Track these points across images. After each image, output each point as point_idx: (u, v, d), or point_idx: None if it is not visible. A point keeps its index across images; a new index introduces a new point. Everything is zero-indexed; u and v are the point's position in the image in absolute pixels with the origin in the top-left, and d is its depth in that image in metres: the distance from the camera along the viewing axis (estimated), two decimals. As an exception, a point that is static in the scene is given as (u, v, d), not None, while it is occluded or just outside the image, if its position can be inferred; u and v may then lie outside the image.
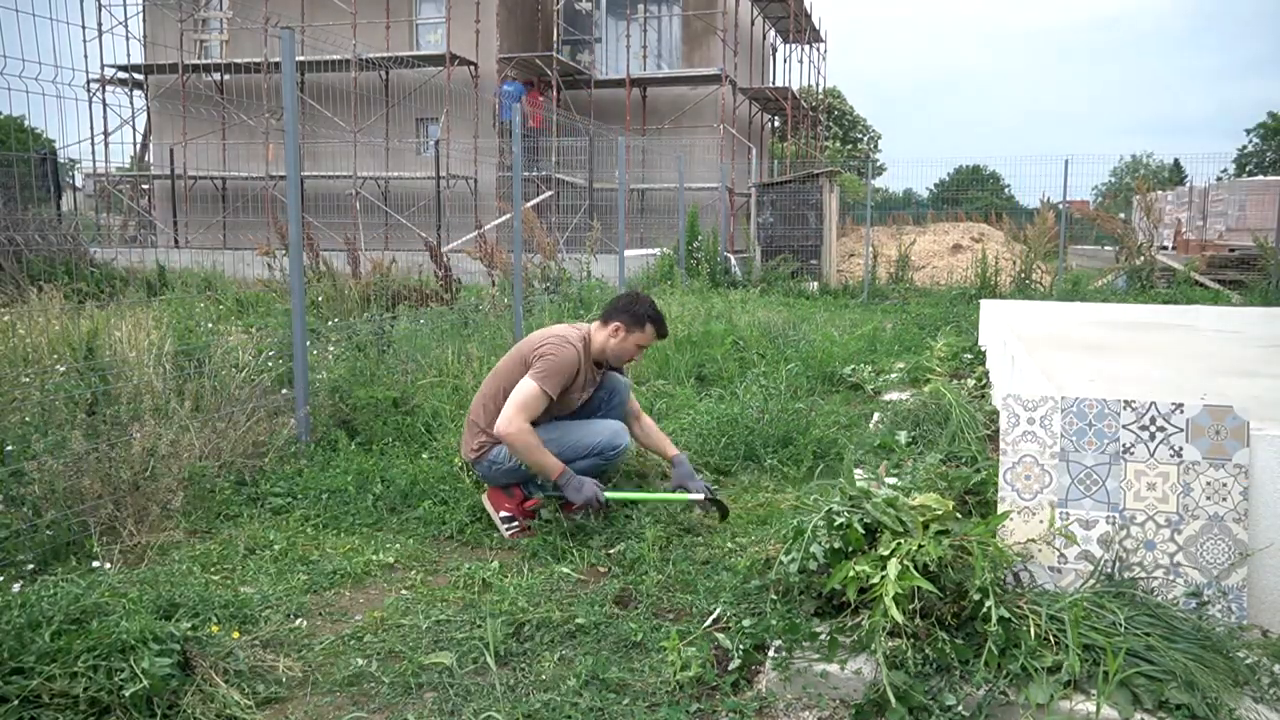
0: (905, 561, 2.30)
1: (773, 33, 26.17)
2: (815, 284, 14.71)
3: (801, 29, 24.46)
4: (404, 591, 3.02)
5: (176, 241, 19.03)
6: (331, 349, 5.28)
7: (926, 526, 2.45)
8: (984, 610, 2.21)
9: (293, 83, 4.30)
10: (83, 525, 3.21)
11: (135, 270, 9.90)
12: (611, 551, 3.30)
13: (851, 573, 2.35)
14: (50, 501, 3.18)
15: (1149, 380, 3.47)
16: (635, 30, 20.14)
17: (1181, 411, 2.54)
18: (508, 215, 10.72)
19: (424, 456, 4.18)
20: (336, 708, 2.31)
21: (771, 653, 2.40)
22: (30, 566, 2.91)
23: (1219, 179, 22.92)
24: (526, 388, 3.48)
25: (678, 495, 3.57)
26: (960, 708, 2.11)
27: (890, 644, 2.23)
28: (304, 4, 19.08)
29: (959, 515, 2.65)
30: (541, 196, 16.78)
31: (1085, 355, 4.16)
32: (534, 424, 3.46)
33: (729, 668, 2.43)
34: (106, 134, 19.54)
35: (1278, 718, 2.08)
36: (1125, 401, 2.59)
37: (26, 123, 17.36)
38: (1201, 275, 13.43)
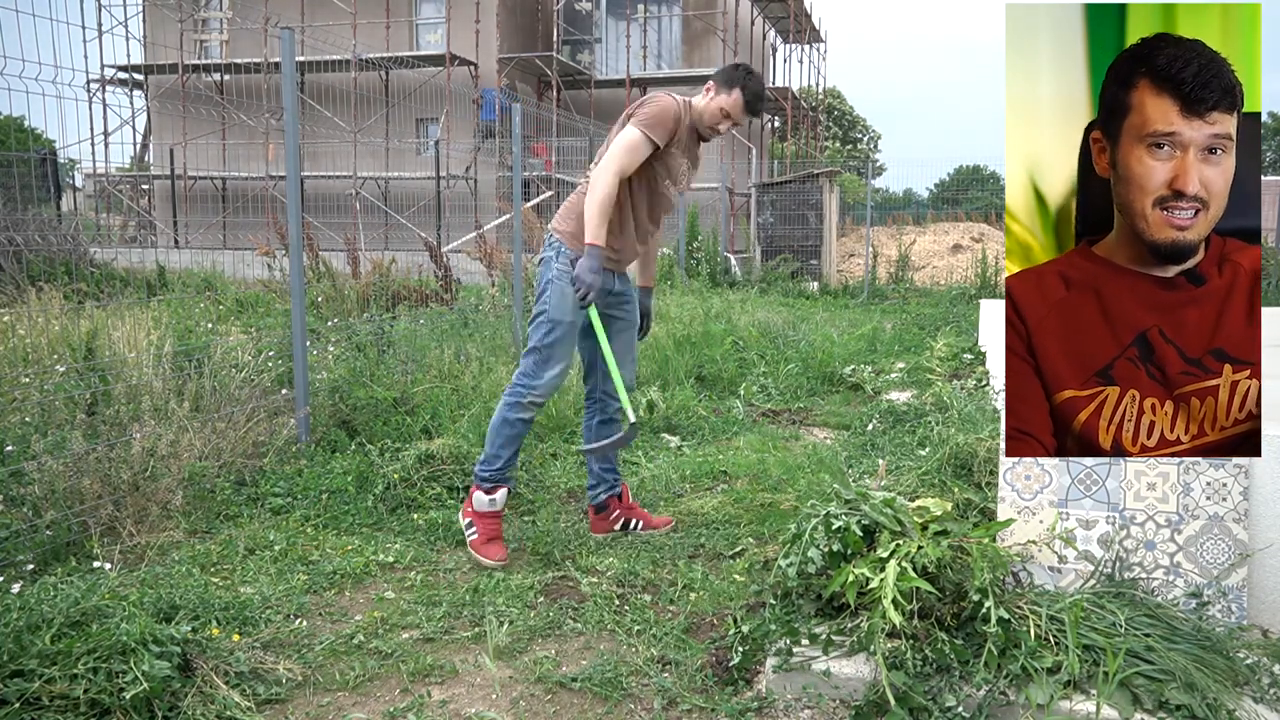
0: (904, 563, 2.30)
1: (773, 33, 26.16)
2: (815, 284, 14.72)
3: (801, 29, 24.47)
4: (404, 591, 3.03)
5: (176, 242, 19.02)
6: (331, 349, 5.27)
7: (925, 528, 2.45)
8: (983, 611, 2.21)
9: (293, 83, 4.30)
10: (83, 525, 3.21)
11: (135, 270, 9.89)
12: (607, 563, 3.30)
13: (851, 577, 2.35)
14: (50, 502, 3.18)
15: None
16: (635, 30, 20.14)
17: (1181, 412, 2.54)
18: (508, 215, 10.74)
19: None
20: (336, 708, 2.31)
21: (771, 653, 2.40)
22: (30, 567, 2.91)
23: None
24: (628, 134, 3.16)
25: (625, 401, 3.24)
26: (960, 708, 2.11)
27: (890, 645, 2.23)
28: (304, 4, 19.08)
29: (958, 516, 2.65)
30: (541, 196, 16.80)
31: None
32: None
33: (729, 667, 2.43)
34: (106, 134, 19.57)
35: (1277, 718, 2.08)
36: (1125, 402, 2.58)
37: (26, 123, 17.37)
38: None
